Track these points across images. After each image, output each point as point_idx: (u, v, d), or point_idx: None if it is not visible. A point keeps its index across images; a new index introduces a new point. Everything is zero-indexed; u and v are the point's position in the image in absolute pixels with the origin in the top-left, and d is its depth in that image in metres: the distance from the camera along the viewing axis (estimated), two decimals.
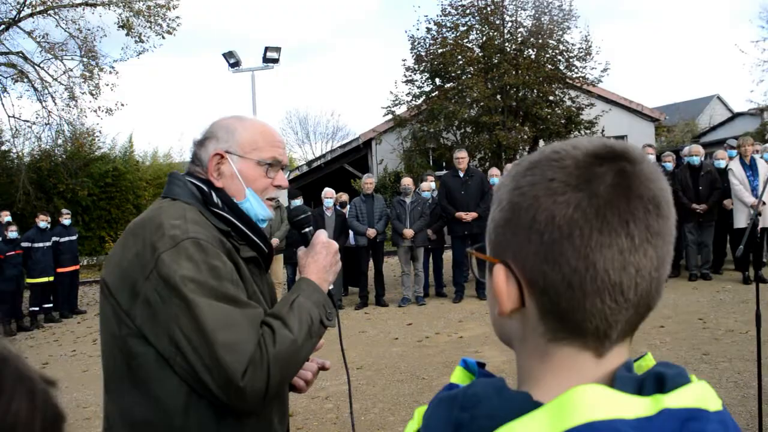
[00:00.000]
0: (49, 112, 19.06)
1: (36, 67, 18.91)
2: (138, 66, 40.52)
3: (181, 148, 30.59)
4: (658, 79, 74.60)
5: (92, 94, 19.00)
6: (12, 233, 10.82)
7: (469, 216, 9.46)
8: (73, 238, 12.03)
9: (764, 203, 8.94)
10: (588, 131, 17.63)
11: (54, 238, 11.48)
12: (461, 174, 9.72)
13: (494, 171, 10.72)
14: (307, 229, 1.91)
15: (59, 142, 20.08)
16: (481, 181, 9.83)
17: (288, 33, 76.88)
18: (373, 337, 8.08)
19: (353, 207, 10.29)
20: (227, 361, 1.46)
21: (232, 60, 18.66)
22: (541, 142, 17.80)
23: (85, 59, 18.89)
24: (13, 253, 10.70)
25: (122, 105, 19.45)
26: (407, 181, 10.14)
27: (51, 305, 11.51)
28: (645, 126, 20.67)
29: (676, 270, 10.19)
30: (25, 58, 18.74)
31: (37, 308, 11.12)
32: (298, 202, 10.49)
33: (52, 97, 18.99)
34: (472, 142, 16.88)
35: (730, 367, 5.66)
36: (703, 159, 9.87)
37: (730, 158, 9.79)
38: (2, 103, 19.11)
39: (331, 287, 1.82)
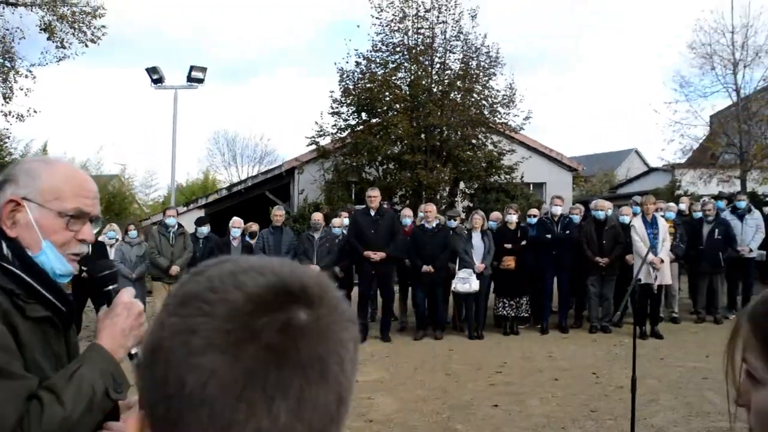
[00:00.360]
0: None
1: None
2: (58, 72, 39.01)
3: (99, 160, 29.88)
4: (581, 131, 77.33)
5: (5, 97, 18.09)
6: None
7: (377, 255, 9.23)
8: None
9: (662, 261, 9.26)
10: (508, 176, 17.95)
11: None
12: (372, 212, 9.58)
13: (407, 212, 10.68)
14: (111, 287, 1.69)
15: None
16: (392, 220, 9.71)
17: (224, 52, 75.92)
18: None
19: (260, 239, 10.00)
20: None
21: (156, 76, 18.23)
22: (462, 184, 18.01)
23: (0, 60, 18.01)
24: None
25: (35, 111, 18.52)
26: (317, 216, 9.97)
27: None
28: (564, 175, 21.29)
29: (579, 321, 10.40)
30: None
31: None
32: (205, 229, 10.13)
33: None
34: (393, 179, 16.88)
35: (615, 425, 5.69)
36: (609, 213, 10.15)
37: (635, 214, 10.09)
38: None
39: (133, 351, 1.63)
